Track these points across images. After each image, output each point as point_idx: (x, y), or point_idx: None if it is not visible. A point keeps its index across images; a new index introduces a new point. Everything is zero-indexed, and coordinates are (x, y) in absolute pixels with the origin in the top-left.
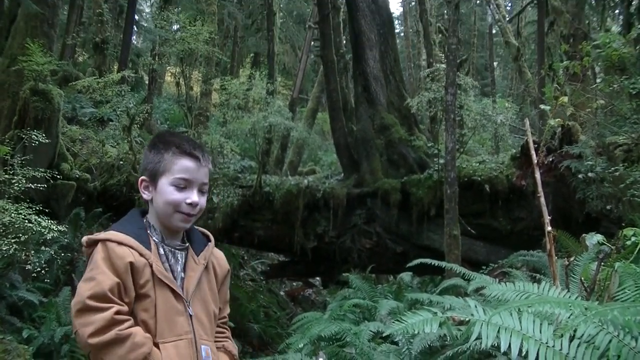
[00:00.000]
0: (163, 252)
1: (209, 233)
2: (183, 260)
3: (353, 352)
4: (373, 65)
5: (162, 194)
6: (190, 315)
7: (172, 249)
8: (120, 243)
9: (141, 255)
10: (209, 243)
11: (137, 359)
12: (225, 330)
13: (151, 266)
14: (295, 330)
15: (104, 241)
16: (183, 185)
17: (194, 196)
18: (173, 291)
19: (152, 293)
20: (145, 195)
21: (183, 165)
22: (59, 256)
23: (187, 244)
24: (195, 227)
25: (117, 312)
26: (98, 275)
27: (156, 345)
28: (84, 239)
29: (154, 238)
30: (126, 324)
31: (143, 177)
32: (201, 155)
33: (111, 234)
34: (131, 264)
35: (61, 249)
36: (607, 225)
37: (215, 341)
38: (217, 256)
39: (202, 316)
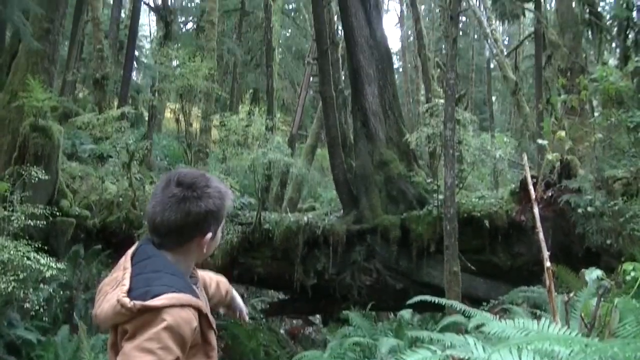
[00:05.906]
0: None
1: None
2: None
3: None
4: (372, 100)
5: (217, 239)
6: None
7: (197, 285)
8: (182, 306)
9: (197, 309)
10: None
11: None
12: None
13: (206, 316)
14: None
15: (167, 308)
16: None
17: None
18: (214, 331)
19: (199, 340)
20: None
21: None
22: (58, 294)
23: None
24: None
25: None
26: (160, 351)
27: None
28: (133, 305)
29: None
30: None
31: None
32: None
33: (173, 297)
34: (196, 328)
35: (60, 287)
36: (607, 260)
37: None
38: None
39: None
